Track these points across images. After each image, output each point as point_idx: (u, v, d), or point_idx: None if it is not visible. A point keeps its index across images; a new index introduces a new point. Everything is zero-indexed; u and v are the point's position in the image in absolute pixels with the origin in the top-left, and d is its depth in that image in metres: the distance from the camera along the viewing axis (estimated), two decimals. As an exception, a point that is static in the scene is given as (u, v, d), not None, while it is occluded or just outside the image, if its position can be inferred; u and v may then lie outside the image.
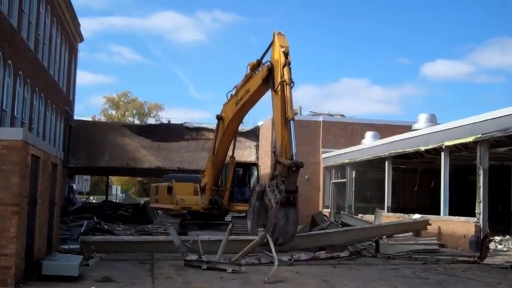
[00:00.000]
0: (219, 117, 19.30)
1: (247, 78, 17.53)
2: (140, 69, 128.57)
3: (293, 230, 14.20)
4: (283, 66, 15.08)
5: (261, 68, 16.66)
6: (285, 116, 14.72)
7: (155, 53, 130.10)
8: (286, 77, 14.91)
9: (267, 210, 14.39)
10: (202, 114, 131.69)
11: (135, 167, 41.62)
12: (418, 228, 20.09)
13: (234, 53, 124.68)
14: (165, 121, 52.85)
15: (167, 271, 12.87)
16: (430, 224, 19.60)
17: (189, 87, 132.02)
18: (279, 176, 14.22)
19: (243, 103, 17.88)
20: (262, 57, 16.92)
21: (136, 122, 77.36)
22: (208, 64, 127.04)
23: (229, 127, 19.24)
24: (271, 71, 15.78)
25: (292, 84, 14.98)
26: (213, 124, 23.22)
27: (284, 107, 14.78)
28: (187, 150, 40.70)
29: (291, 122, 14.47)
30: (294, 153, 14.10)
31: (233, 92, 18.52)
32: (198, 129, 41.25)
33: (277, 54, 15.56)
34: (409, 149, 25.45)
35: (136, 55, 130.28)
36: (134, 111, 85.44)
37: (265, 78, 16.11)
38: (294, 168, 13.86)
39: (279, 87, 15.02)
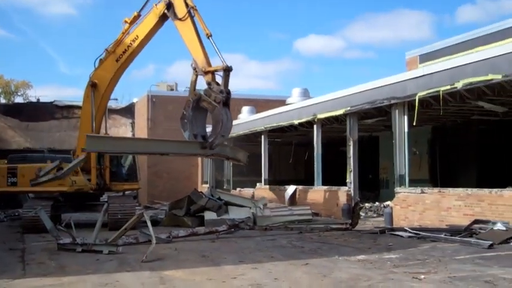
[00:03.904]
0: (93, 84, 18.69)
1: (126, 31, 18.63)
2: (5, 44, 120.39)
3: (230, 125, 17.04)
4: None
5: (152, 9, 18.23)
6: (199, 36, 17.14)
7: (22, 27, 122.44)
8: (191, 4, 17.39)
9: (202, 118, 17.09)
10: (74, 91, 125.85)
11: (2, 148, 39.17)
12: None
13: (105, 26, 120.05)
14: (33, 100, 50.02)
15: (39, 256, 12.30)
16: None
17: (59, 63, 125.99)
18: (212, 82, 16.67)
19: (130, 53, 18.57)
20: (141, 10, 18.57)
21: (2, 101, 72.66)
22: (78, 39, 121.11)
23: (108, 90, 19.03)
24: (169, 5, 17.71)
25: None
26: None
27: (196, 29, 17.26)
28: (58, 130, 39.02)
29: (211, 37, 16.92)
30: (222, 60, 16.66)
31: (103, 56, 18.80)
32: (70, 107, 39.62)
33: None
34: (284, 123, 26.08)
35: (1, 30, 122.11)
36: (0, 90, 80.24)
37: (162, 15, 17.96)
38: (227, 72, 16.50)
39: (187, 14, 17.32)
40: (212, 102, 16.40)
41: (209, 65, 16.94)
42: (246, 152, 20.88)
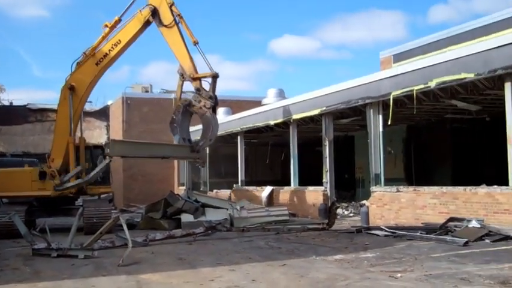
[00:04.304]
0: (71, 87, 18.43)
1: (106, 35, 18.72)
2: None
3: (217, 130, 18.67)
4: (171, 5, 18.24)
5: (136, 14, 18.60)
6: (184, 44, 18.07)
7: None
8: (177, 11, 18.13)
9: (187, 122, 18.65)
10: (47, 94, 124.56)
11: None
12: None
13: (78, 29, 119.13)
14: (6, 103, 49.30)
15: (14, 262, 12.11)
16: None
17: (32, 66, 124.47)
18: (201, 88, 17.80)
19: (112, 57, 18.66)
20: (122, 15, 18.86)
21: (-26, 105, 71.51)
22: (51, 41, 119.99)
23: (87, 93, 19.00)
24: (154, 12, 18.30)
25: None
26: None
27: (182, 36, 18.09)
28: (32, 134, 38.53)
29: (198, 44, 18.06)
30: (210, 67, 17.90)
31: (80, 60, 18.71)
32: (43, 111, 39.11)
33: None
34: (260, 124, 26.10)
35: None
36: (-29, 94, 78.94)
37: (146, 21, 18.46)
38: (215, 79, 17.73)
39: (173, 22, 18.13)
40: (203, 108, 17.61)
41: (196, 71, 17.88)
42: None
